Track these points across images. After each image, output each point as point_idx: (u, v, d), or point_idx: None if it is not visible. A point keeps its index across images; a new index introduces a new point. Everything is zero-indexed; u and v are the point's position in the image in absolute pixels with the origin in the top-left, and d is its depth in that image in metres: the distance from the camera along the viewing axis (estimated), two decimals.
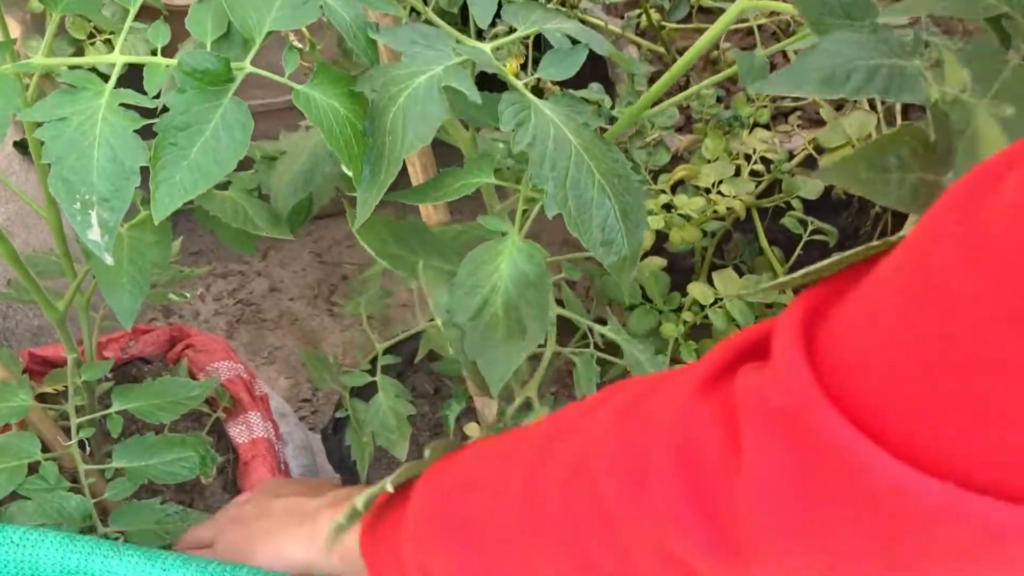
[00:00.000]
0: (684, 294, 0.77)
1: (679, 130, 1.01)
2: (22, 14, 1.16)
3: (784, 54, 1.12)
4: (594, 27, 1.03)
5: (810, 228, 0.80)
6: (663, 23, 1.06)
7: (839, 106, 1.03)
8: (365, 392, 0.70)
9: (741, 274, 0.79)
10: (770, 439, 0.29)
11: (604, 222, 0.40)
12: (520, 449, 0.42)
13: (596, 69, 1.02)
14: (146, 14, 0.49)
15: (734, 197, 0.78)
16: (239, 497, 0.65)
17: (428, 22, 0.46)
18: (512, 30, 0.47)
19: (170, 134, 0.39)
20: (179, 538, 0.58)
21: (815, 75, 0.32)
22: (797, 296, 0.33)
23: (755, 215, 0.86)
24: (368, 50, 0.43)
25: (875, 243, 0.34)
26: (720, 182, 0.84)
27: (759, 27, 1.12)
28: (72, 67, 0.43)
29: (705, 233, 0.81)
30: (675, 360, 0.73)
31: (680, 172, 0.83)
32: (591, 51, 0.47)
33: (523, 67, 0.90)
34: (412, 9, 0.47)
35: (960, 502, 0.25)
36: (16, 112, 0.41)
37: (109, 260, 0.39)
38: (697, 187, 0.84)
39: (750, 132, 0.94)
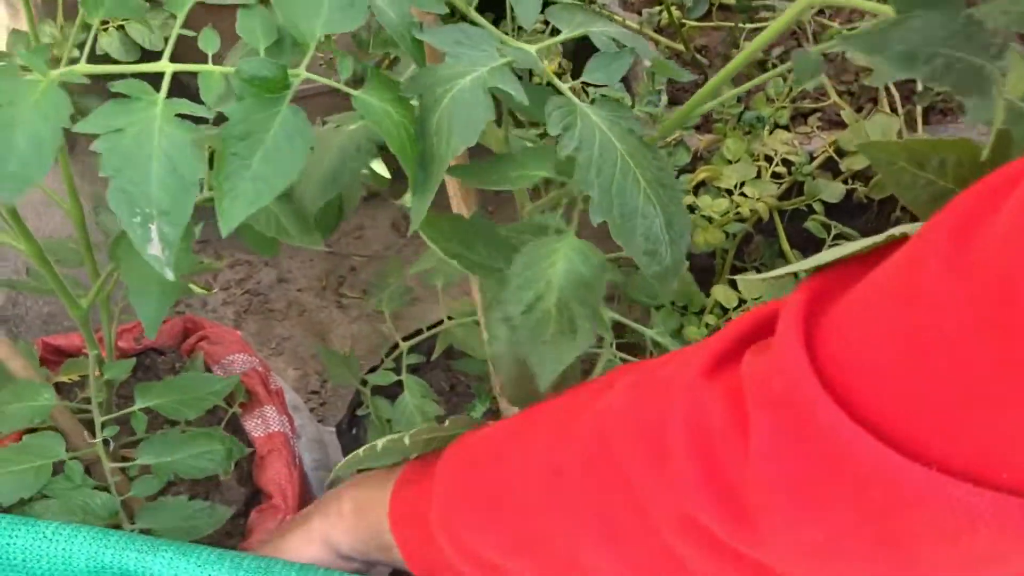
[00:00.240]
0: (706, 295, 0.77)
1: (697, 129, 1.01)
2: None
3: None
4: None
5: (833, 232, 0.79)
6: (683, 20, 1.06)
7: (859, 108, 1.03)
8: (387, 390, 0.70)
9: None
10: (772, 425, 0.32)
11: (649, 231, 0.40)
12: (541, 422, 0.45)
13: None
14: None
15: (758, 200, 0.77)
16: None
17: (471, 22, 0.45)
18: (555, 31, 0.47)
19: (231, 144, 0.38)
20: None
21: (898, 47, 0.31)
22: (801, 282, 0.35)
23: (776, 217, 0.85)
24: (415, 50, 0.42)
25: (880, 237, 0.34)
26: (742, 184, 0.83)
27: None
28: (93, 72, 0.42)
29: (727, 235, 0.80)
30: None
31: (702, 173, 0.83)
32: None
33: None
34: (452, 9, 0.47)
35: (940, 486, 0.28)
36: (66, 124, 0.40)
37: (171, 276, 0.38)
38: (719, 188, 0.83)
39: (770, 133, 0.94)
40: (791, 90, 0.94)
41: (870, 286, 0.31)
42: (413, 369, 0.80)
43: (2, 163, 0.40)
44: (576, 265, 0.42)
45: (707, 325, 0.73)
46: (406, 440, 0.47)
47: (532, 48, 0.44)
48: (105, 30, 1.09)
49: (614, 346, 0.64)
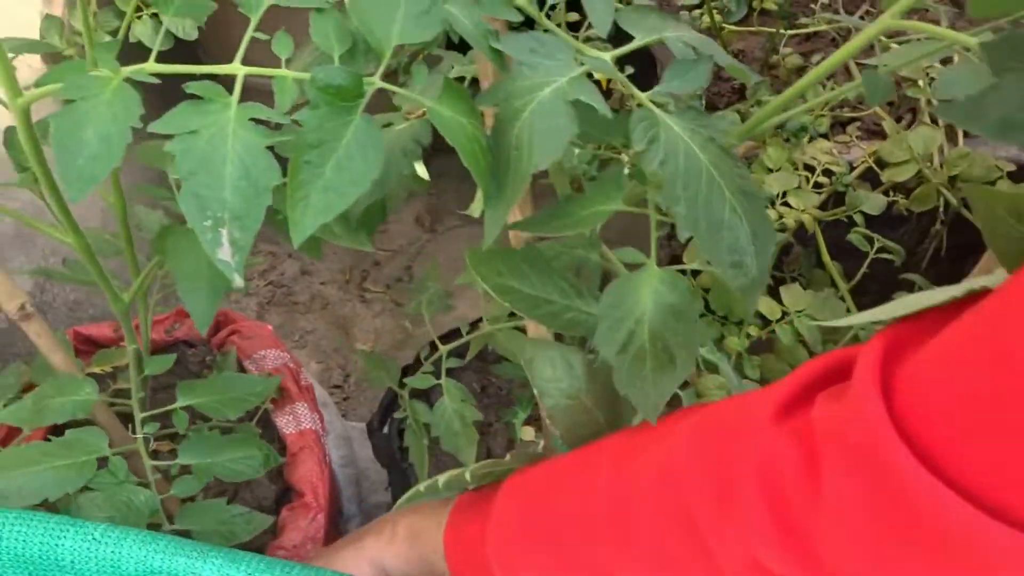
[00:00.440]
0: None
1: None
2: None
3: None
4: None
5: (876, 245, 0.79)
6: (723, 24, 1.05)
7: (899, 118, 1.02)
8: (425, 393, 0.69)
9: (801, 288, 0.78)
10: (847, 474, 0.31)
11: (735, 243, 0.39)
12: (604, 457, 0.44)
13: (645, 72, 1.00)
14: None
15: (802, 211, 0.77)
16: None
17: (544, 29, 0.45)
18: (629, 37, 0.46)
19: (304, 151, 0.37)
20: None
21: (995, 115, 0.31)
22: (879, 332, 0.34)
23: (817, 228, 0.84)
24: (494, 58, 0.41)
25: (959, 291, 0.34)
26: (784, 193, 0.82)
27: (816, 33, 1.10)
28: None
29: None
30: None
31: None
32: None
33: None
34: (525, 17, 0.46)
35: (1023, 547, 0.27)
36: (136, 123, 0.39)
37: (240, 282, 0.38)
38: None
39: (810, 141, 0.93)
40: (830, 99, 0.93)
41: (953, 340, 0.30)
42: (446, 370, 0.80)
43: (71, 160, 0.39)
44: (664, 296, 0.41)
45: (748, 336, 0.73)
46: (467, 476, 0.47)
47: (607, 56, 0.43)
48: (139, 17, 1.08)
49: None
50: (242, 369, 0.87)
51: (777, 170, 0.85)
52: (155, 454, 0.70)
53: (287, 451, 0.83)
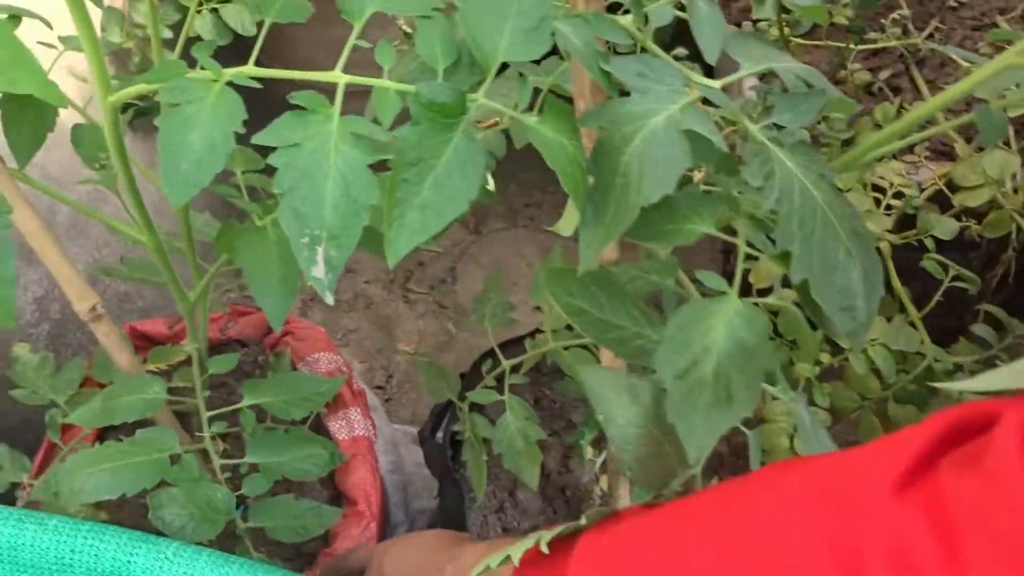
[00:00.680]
0: (813, 329, 0.74)
1: None
2: None
3: (910, 78, 1.08)
4: None
5: (951, 273, 0.77)
6: (790, 37, 1.03)
7: (969, 139, 0.99)
8: (486, 408, 0.68)
9: None
10: (999, 565, 0.29)
11: (847, 286, 0.38)
12: (691, 526, 0.41)
13: None
14: None
15: (878, 239, 0.75)
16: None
17: (653, 53, 0.43)
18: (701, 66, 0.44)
19: (402, 169, 0.36)
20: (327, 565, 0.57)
21: None
22: (1020, 399, 0.31)
23: (887, 252, 0.82)
24: (604, 79, 0.40)
25: None
26: None
27: (884, 49, 1.08)
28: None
29: None
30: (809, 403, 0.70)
31: None
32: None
33: None
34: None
35: None
36: (239, 129, 0.38)
37: (330, 300, 0.37)
38: None
39: (879, 160, 0.91)
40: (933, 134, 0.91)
41: None
42: (497, 379, 0.78)
43: (175, 164, 0.39)
44: (738, 331, 0.39)
45: (819, 363, 0.71)
46: (544, 547, 0.45)
47: (717, 84, 0.41)
48: (199, 12, 1.08)
49: None
50: (294, 371, 0.87)
51: (848, 191, 0.83)
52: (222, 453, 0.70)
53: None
